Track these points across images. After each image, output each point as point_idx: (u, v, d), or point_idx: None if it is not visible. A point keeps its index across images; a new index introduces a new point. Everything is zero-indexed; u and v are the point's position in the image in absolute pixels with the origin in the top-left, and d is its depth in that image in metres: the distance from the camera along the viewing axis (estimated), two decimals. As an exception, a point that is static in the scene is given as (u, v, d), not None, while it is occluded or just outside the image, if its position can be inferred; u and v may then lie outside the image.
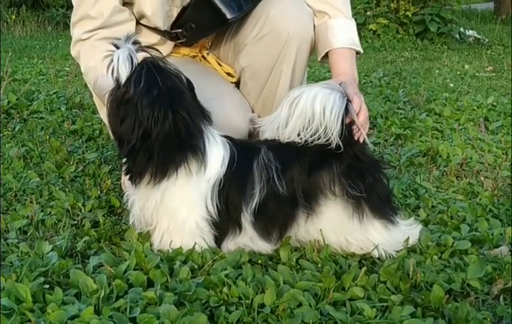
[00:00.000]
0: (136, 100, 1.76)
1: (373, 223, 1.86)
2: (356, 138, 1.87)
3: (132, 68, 1.78)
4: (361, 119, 1.90)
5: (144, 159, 1.79)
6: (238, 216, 1.84)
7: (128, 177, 1.88)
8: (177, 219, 1.84)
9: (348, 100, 1.85)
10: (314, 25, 2.29)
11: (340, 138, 1.80)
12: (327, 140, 1.80)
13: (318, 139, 1.80)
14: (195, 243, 1.84)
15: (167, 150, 1.78)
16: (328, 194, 1.84)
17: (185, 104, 1.81)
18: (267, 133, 1.91)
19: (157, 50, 1.87)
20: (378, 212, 1.87)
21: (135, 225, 1.96)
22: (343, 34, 2.25)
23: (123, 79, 1.78)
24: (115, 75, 1.80)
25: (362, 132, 1.88)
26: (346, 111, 1.83)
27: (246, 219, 1.84)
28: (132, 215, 1.96)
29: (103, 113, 2.40)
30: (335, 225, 1.86)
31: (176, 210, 1.84)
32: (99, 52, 2.16)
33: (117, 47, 1.81)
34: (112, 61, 1.80)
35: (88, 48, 2.21)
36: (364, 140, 1.89)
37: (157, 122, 1.76)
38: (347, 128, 1.84)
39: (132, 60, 1.78)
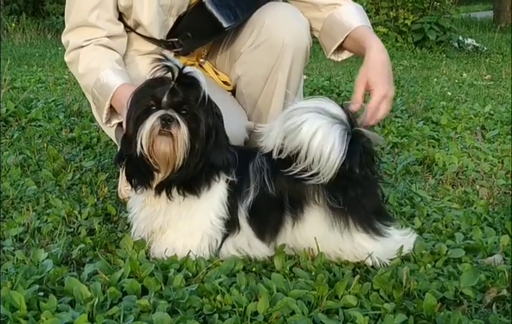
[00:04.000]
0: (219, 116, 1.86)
1: (354, 234, 1.85)
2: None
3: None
4: (380, 116, 2.01)
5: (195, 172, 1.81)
6: (235, 214, 1.87)
7: (148, 191, 1.85)
8: (191, 223, 1.87)
9: (357, 130, 1.84)
10: (311, 34, 2.31)
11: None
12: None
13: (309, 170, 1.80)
14: (189, 251, 1.85)
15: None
16: (311, 203, 1.85)
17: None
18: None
19: None
20: (361, 225, 1.86)
21: (135, 235, 1.96)
22: (360, 17, 2.28)
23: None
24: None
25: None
26: (354, 147, 1.81)
27: (242, 215, 1.87)
28: (136, 226, 1.95)
29: (97, 114, 2.38)
30: (318, 233, 1.86)
31: (193, 216, 1.87)
32: (102, 55, 2.20)
33: (162, 59, 1.80)
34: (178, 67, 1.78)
35: (89, 51, 2.24)
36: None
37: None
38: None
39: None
